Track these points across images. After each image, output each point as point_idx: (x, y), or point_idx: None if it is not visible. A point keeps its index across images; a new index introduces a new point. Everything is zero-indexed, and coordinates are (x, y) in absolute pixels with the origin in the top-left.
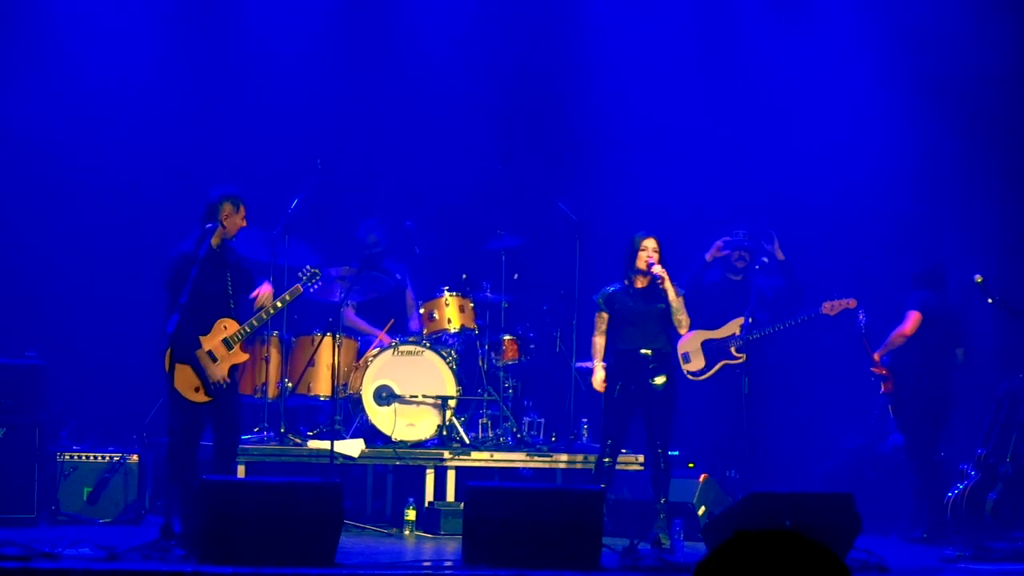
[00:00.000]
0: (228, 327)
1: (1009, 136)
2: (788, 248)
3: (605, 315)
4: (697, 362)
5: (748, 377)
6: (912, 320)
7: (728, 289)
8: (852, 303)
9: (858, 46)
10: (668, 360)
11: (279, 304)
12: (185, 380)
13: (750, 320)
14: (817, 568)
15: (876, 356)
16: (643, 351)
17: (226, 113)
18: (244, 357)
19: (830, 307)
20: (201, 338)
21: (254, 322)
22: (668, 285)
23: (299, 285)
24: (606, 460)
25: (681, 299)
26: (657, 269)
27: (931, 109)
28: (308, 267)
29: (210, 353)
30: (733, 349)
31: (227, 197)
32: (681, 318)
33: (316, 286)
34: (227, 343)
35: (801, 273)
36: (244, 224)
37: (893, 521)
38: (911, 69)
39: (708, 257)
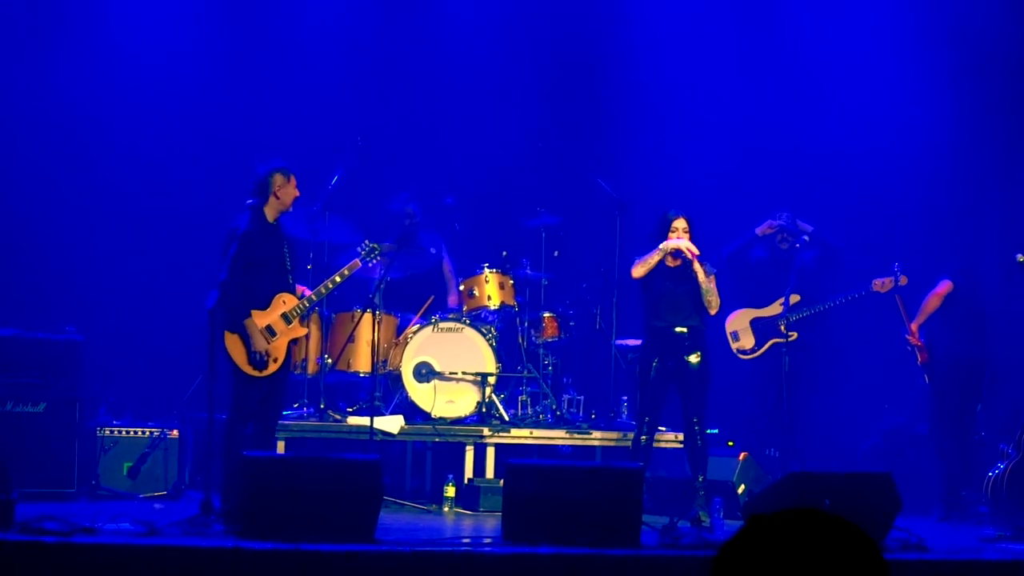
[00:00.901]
0: (287, 301)
1: None
2: (825, 228)
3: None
4: (747, 340)
5: (788, 356)
6: (944, 286)
7: (774, 268)
8: (903, 279)
9: (897, 28)
10: (703, 338)
11: (337, 279)
12: (240, 352)
13: (791, 299)
14: (842, 543)
15: (913, 326)
16: (678, 329)
17: (266, 89)
18: (303, 331)
19: (880, 284)
20: (256, 312)
21: (313, 296)
22: (697, 266)
23: (358, 260)
24: (643, 438)
25: (712, 278)
26: (686, 247)
27: (970, 90)
28: (367, 242)
29: (269, 327)
30: (783, 327)
31: (277, 169)
32: (711, 299)
33: (375, 262)
34: (286, 317)
35: (837, 238)
36: (298, 194)
37: (933, 500)
38: (950, 49)
39: (759, 232)
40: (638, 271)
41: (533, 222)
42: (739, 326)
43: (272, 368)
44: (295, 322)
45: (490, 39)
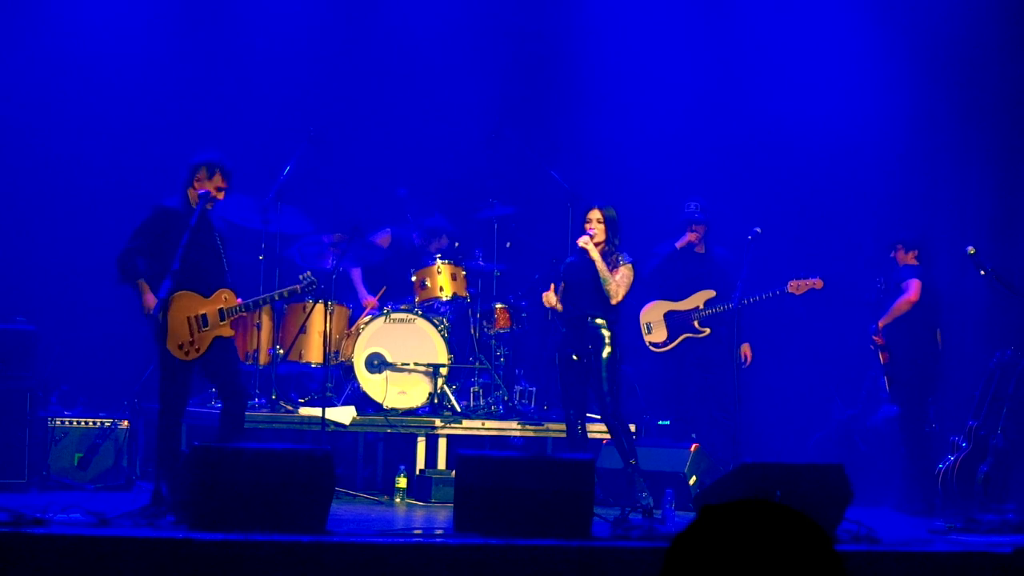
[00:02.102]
0: (227, 299)
1: (1003, 109)
2: (779, 222)
3: (562, 284)
4: (659, 333)
5: (726, 347)
6: (915, 287)
7: (692, 261)
8: (818, 283)
9: (851, 17)
10: (605, 328)
11: (276, 297)
12: (172, 337)
13: (706, 294)
14: (794, 534)
15: (881, 324)
16: (587, 318)
17: (218, 80)
18: (231, 333)
19: (796, 286)
20: (197, 297)
21: (249, 304)
22: (594, 256)
23: (298, 287)
24: (579, 427)
25: (628, 268)
26: (581, 241)
27: (924, 80)
28: (308, 274)
29: (204, 316)
30: (696, 323)
31: (203, 163)
32: (609, 288)
33: (309, 296)
34: (222, 313)
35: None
36: (221, 188)
37: (884, 492)
38: (905, 40)
39: (678, 246)
40: (613, 287)
41: (485, 213)
42: (652, 318)
43: (193, 356)
44: (227, 321)
45: (443, 30)
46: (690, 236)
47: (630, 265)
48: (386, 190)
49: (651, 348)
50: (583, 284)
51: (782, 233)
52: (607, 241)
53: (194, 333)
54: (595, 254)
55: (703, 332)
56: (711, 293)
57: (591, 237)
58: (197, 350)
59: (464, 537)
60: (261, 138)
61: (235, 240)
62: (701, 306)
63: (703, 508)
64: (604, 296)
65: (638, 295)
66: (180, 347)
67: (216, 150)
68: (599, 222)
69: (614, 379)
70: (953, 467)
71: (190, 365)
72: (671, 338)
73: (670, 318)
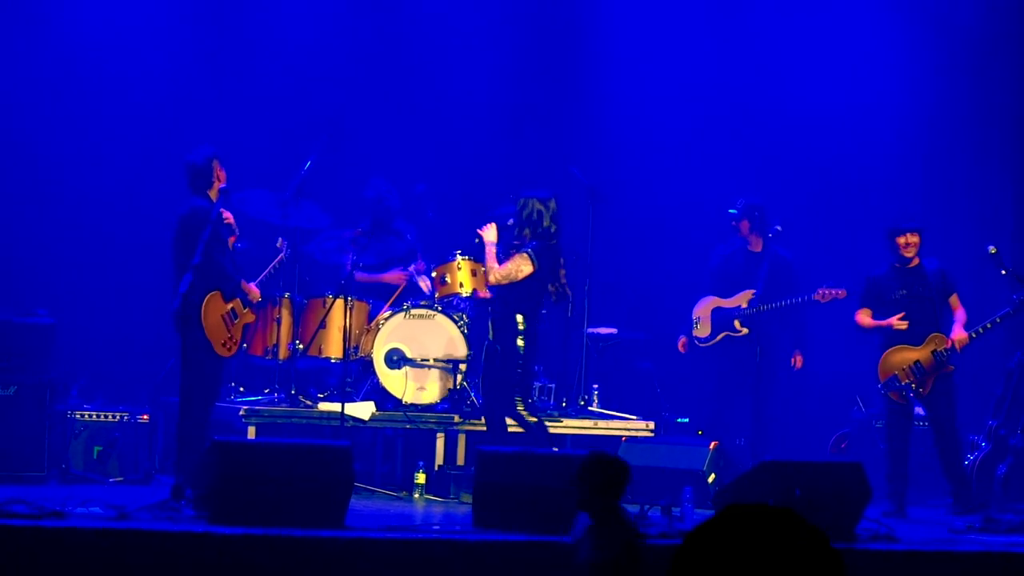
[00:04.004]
0: (249, 290)
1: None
2: (797, 219)
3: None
4: (704, 329)
5: (759, 345)
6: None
7: (743, 259)
8: (842, 294)
9: (873, 15)
10: (495, 318)
11: (275, 266)
12: (215, 337)
13: (747, 294)
14: (806, 548)
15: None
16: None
17: (238, 75)
18: (253, 318)
19: (822, 295)
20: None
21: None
22: (487, 239)
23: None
24: (504, 420)
25: (522, 256)
26: (481, 232)
27: (944, 80)
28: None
29: (232, 311)
30: (737, 323)
31: (214, 155)
32: (489, 277)
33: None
34: (245, 302)
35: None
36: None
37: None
38: (926, 39)
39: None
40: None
41: (506, 209)
42: (702, 313)
43: (234, 350)
44: (248, 308)
45: (463, 24)
46: (741, 229)
47: (525, 254)
48: (405, 186)
49: (696, 343)
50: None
51: (799, 230)
52: (516, 230)
53: (230, 328)
54: (488, 236)
55: (742, 331)
56: (750, 293)
57: (496, 227)
58: (236, 342)
59: (483, 533)
60: (281, 133)
61: (255, 234)
62: (744, 305)
63: (728, 507)
64: (507, 287)
65: (694, 291)
66: (223, 345)
67: (231, 146)
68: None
69: (489, 374)
70: (972, 467)
71: (224, 361)
72: (713, 334)
73: (716, 314)
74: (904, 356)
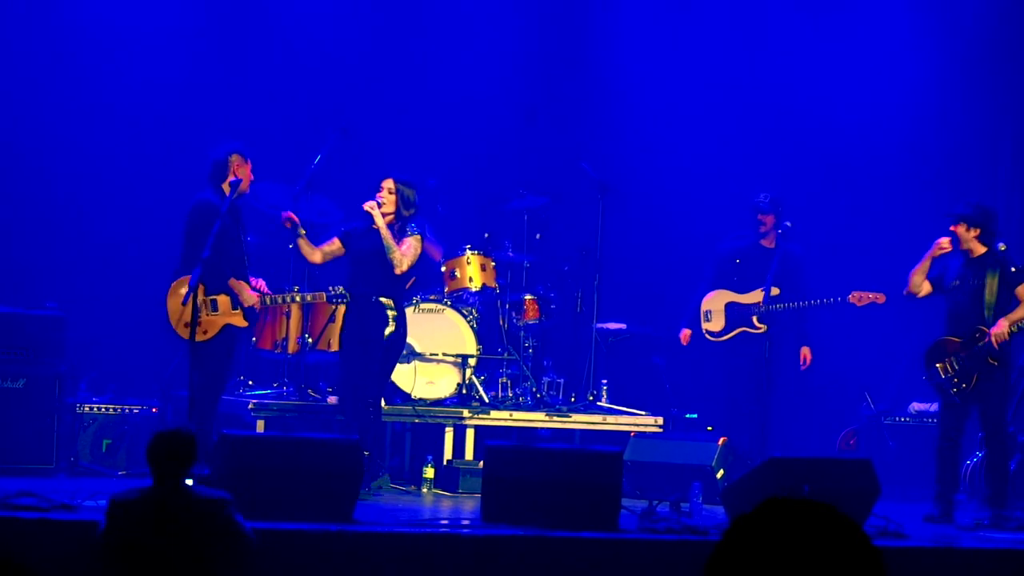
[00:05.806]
0: (259, 287)
1: None
2: (812, 212)
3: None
4: (717, 323)
5: (769, 342)
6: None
7: (757, 255)
8: (881, 298)
9: (885, 13)
10: (396, 307)
11: (299, 299)
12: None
13: (771, 291)
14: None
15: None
16: (372, 297)
17: (249, 69)
18: (244, 323)
19: (858, 298)
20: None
21: (272, 299)
22: (379, 223)
23: (324, 294)
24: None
25: (415, 238)
26: (367, 206)
27: (955, 76)
28: (338, 287)
29: (214, 303)
30: (755, 319)
31: (235, 150)
32: (393, 256)
33: (337, 303)
34: (234, 302)
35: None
36: (252, 177)
37: (911, 488)
38: (936, 35)
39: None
40: (397, 256)
41: (516, 204)
42: (713, 307)
43: (200, 338)
44: (239, 311)
45: (474, 19)
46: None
47: (418, 236)
48: (416, 180)
49: (707, 336)
50: (366, 257)
51: (809, 228)
52: (396, 213)
53: (199, 316)
54: (380, 221)
55: (760, 328)
56: (776, 290)
57: (379, 205)
58: (204, 332)
59: (491, 528)
60: (292, 127)
61: (267, 228)
62: (760, 302)
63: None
64: (388, 269)
65: (703, 287)
66: (185, 326)
67: (242, 139)
68: (390, 192)
69: (388, 361)
70: (982, 463)
71: (233, 354)
72: (727, 329)
73: (730, 309)
74: (948, 348)
